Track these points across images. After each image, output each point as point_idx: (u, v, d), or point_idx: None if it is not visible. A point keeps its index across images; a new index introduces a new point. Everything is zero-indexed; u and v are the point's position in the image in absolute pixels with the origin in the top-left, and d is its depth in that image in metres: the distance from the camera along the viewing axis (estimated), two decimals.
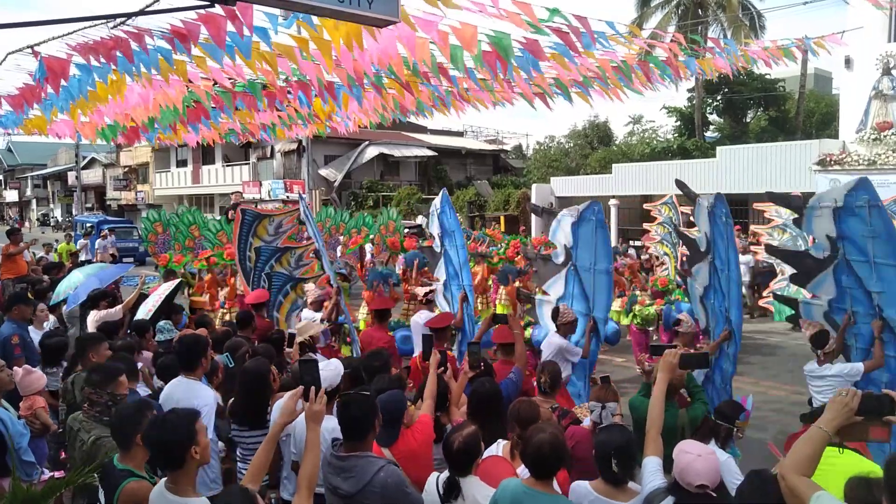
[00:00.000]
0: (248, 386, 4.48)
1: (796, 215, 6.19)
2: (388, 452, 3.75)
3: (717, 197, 5.94)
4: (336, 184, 32.57)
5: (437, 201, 7.98)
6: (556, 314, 6.46)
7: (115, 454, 3.35)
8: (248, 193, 33.41)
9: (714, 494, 2.85)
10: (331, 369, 3.97)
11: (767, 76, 32.69)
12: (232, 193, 21.08)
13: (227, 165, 37.76)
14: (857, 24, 11.96)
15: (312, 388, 3.05)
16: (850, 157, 18.15)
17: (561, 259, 7.38)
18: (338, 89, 6.69)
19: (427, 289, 7.59)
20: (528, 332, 8.33)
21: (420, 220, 24.33)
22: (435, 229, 8.02)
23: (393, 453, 3.75)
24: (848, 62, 19.32)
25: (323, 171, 33.09)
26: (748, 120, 36.22)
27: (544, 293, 7.90)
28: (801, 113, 32.41)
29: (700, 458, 2.89)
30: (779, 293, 9.16)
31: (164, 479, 2.96)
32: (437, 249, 8.02)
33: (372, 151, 33.25)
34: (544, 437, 3.08)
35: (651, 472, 3.16)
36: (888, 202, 14.40)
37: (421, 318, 6.99)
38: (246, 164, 36.63)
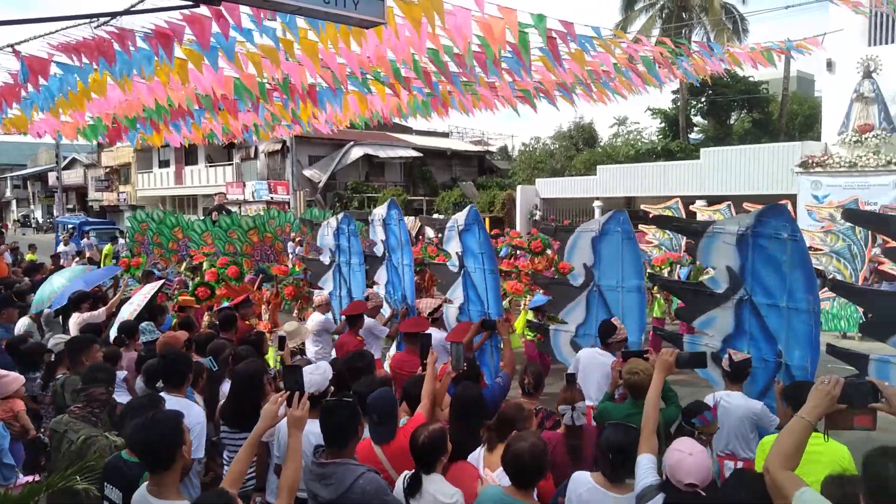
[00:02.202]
0: (240, 387, 4.45)
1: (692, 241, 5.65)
2: (379, 451, 3.75)
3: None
4: (321, 185, 32.45)
5: (460, 217, 7.30)
6: (609, 331, 5.60)
7: (106, 452, 3.34)
8: (232, 194, 33.21)
9: (703, 493, 2.86)
10: (319, 373, 3.95)
11: (751, 79, 32.97)
12: (215, 194, 20.97)
13: (211, 166, 37.49)
14: (838, 27, 12.08)
15: (296, 393, 3.04)
16: (833, 160, 18.35)
17: (580, 281, 6.70)
18: (321, 93, 6.67)
19: (433, 305, 6.81)
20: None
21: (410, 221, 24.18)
22: (454, 247, 7.38)
23: (385, 451, 3.75)
24: (830, 65, 19.52)
25: (307, 172, 32.96)
26: (732, 122, 36.52)
27: (561, 322, 7.11)
28: (785, 115, 32.71)
29: (691, 457, 2.90)
30: (660, 331, 8.38)
31: (144, 482, 2.93)
32: (453, 269, 7.42)
33: (357, 152, 33.15)
34: (524, 445, 3.09)
35: (644, 470, 3.18)
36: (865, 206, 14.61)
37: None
38: (229, 164, 36.39)
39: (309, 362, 4.98)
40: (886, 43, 18.68)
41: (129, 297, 8.29)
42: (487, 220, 27.45)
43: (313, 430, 3.62)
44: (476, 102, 7.63)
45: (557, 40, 5.02)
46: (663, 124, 35.61)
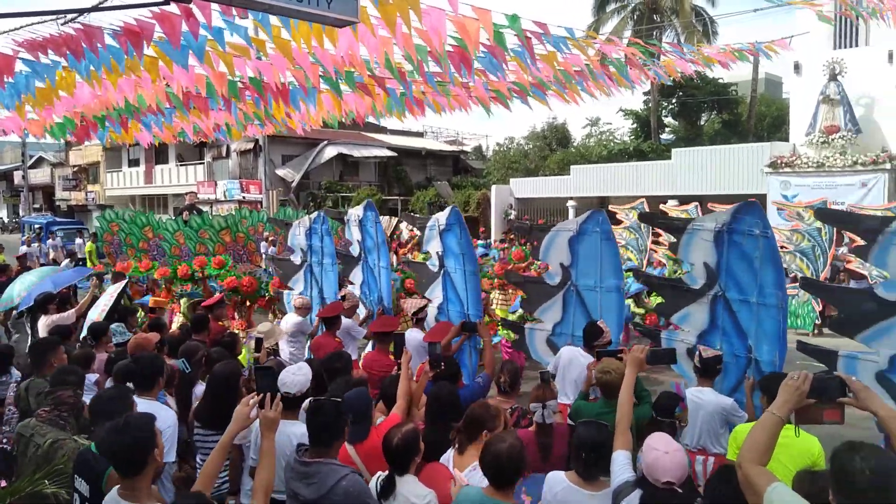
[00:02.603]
0: (216, 389, 4.40)
1: (674, 239, 5.71)
2: (352, 450, 3.73)
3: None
4: (294, 184, 32.20)
5: (441, 217, 7.27)
6: (595, 334, 5.52)
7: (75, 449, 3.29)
8: (203, 194, 32.79)
9: (680, 490, 2.89)
10: (302, 374, 3.93)
11: (720, 80, 33.44)
12: (186, 194, 20.65)
13: (181, 165, 37.00)
14: (804, 30, 12.33)
15: (268, 395, 3.02)
16: (800, 160, 18.68)
17: (557, 280, 6.66)
18: (293, 92, 6.62)
19: (418, 305, 6.86)
20: None
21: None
22: (434, 247, 7.34)
23: (358, 451, 3.74)
24: (797, 67, 19.90)
25: (280, 172, 32.68)
26: (702, 123, 37.00)
27: (536, 320, 7.08)
28: (753, 116, 33.26)
29: (667, 455, 2.92)
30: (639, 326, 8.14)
31: (116, 487, 2.88)
32: (433, 268, 7.37)
33: (331, 151, 32.95)
34: (503, 446, 3.10)
35: (620, 466, 3.21)
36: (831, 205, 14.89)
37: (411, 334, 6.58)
38: (201, 163, 35.95)
39: (281, 364, 4.95)
40: (851, 46, 19.09)
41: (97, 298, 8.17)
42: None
43: (294, 430, 3.60)
44: (450, 103, 7.63)
45: (532, 40, 5.04)
46: (635, 125, 35.96)
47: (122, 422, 2.89)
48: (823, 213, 6.65)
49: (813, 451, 3.80)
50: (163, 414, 4.17)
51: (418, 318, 6.73)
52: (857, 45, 19.01)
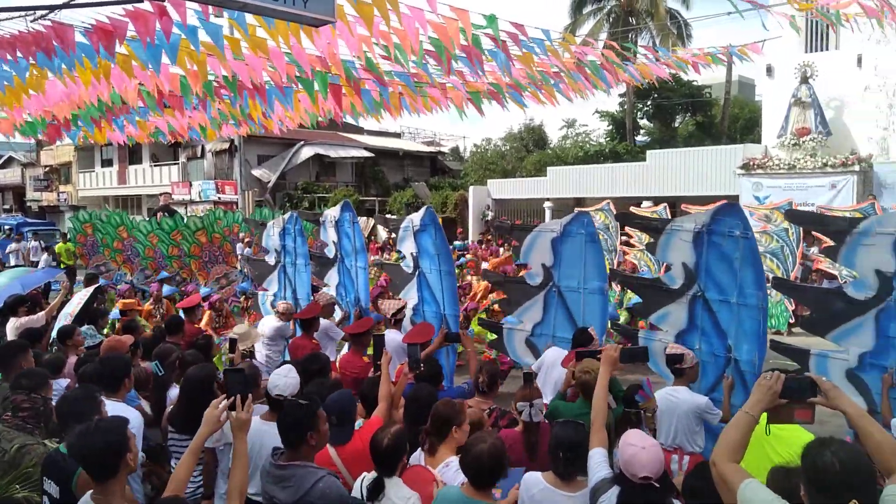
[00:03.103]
0: (190, 392, 4.35)
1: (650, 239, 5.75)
2: (334, 452, 3.71)
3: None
4: (270, 185, 31.95)
5: (416, 217, 7.27)
6: (585, 341, 5.39)
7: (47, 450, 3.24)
8: (178, 194, 32.44)
9: (657, 485, 2.92)
10: (292, 377, 3.91)
11: (694, 83, 33.81)
12: (160, 194, 20.46)
13: (156, 165, 36.54)
14: (777, 34, 12.49)
15: (239, 397, 3.00)
16: (772, 162, 18.95)
17: (538, 280, 6.62)
18: (270, 91, 6.57)
19: (396, 307, 6.84)
20: None
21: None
22: (409, 248, 7.33)
23: (340, 454, 3.71)
24: (769, 70, 20.19)
25: (256, 172, 32.41)
26: (676, 125, 37.40)
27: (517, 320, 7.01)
28: (727, 118, 33.67)
29: (644, 451, 2.95)
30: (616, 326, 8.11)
31: (89, 492, 2.84)
32: (408, 269, 7.36)
33: (307, 152, 32.75)
34: (484, 447, 3.11)
35: (597, 464, 3.23)
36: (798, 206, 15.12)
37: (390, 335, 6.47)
38: (175, 163, 35.53)
39: (255, 367, 4.92)
40: (821, 50, 19.42)
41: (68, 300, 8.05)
42: (440, 220, 27.48)
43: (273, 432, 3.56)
44: (426, 103, 7.62)
45: (509, 42, 5.06)
46: (611, 127, 36.23)
47: (92, 425, 2.85)
48: (794, 214, 6.78)
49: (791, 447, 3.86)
50: (128, 415, 4.14)
51: (396, 320, 6.71)
52: (827, 49, 19.34)
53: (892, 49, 16.72)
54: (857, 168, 17.57)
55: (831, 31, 18.48)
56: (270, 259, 9.18)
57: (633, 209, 17.20)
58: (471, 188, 28.73)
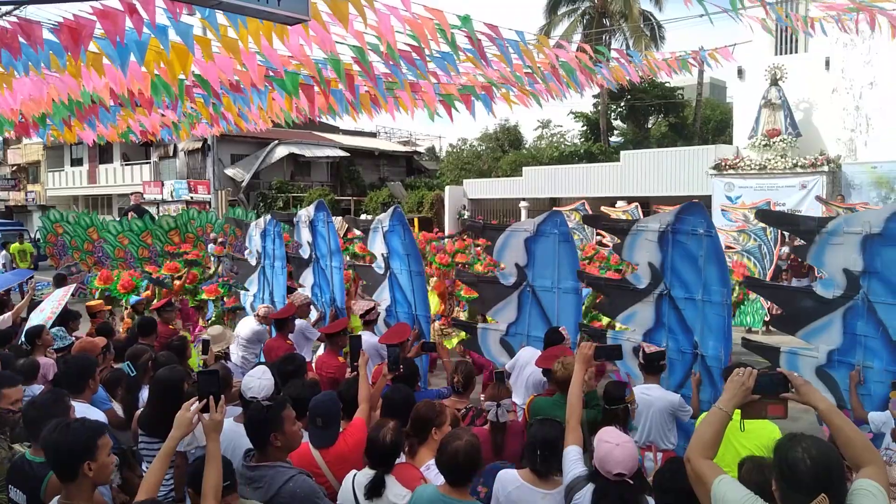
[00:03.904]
0: (160, 395, 4.29)
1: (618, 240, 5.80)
2: (318, 455, 3.68)
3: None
4: (243, 184, 31.67)
5: (384, 218, 7.26)
6: (556, 340, 5.41)
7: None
8: (150, 194, 32.00)
9: (632, 482, 2.95)
10: (267, 378, 3.87)
11: (667, 84, 34.19)
12: (131, 194, 20.12)
13: (127, 164, 36.01)
14: (747, 37, 12.71)
15: (211, 398, 2.97)
16: (743, 162, 19.22)
17: (511, 280, 6.62)
18: (244, 90, 6.50)
19: (366, 307, 6.78)
20: None
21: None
22: (378, 248, 7.36)
23: (324, 456, 3.69)
24: (740, 73, 20.49)
25: (229, 171, 32.10)
26: (649, 126, 37.80)
27: (490, 320, 7.01)
28: (699, 120, 34.12)
29: (618, 448, 2.97)
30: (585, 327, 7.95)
31: (56, 497, 2.80)
32: (379, 270, 7.35)
33: (281, 151, 32.52)
34: (459, 444, 3.10)
35: (572, 461, 3.25)
36: (760, 205, 15.37)
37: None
38: (147, 163, 35.05)
39: (228, 368, 4.87)
40: (790, 53, 19.75)
41: (41, 302, 7.89)
42: (416, 220, 27.47)
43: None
44: (402, 103, 7.60)
45: (483, 42, 5.07)
46: (585, 127, 36.52)
47: (67, 424, 2.82)
48: (764, 214, 6.89)
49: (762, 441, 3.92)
50: (90, 416, 4.07)
51: (367, 321, 6.68)
52: (796, 52, 19.66)
53: (858, 52, 17.08)
54: (826, 168, 17.89)
55: (800, 34, 18.81)
56: (252, 260, 9.14)
57: (606, 209, 17.37)
58: (447, 188, 28.77)
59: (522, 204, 25.18)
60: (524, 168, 27.31)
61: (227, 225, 16.25)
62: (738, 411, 2.65)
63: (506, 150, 36.33)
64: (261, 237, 8.88)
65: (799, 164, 18.19)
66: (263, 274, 8.86)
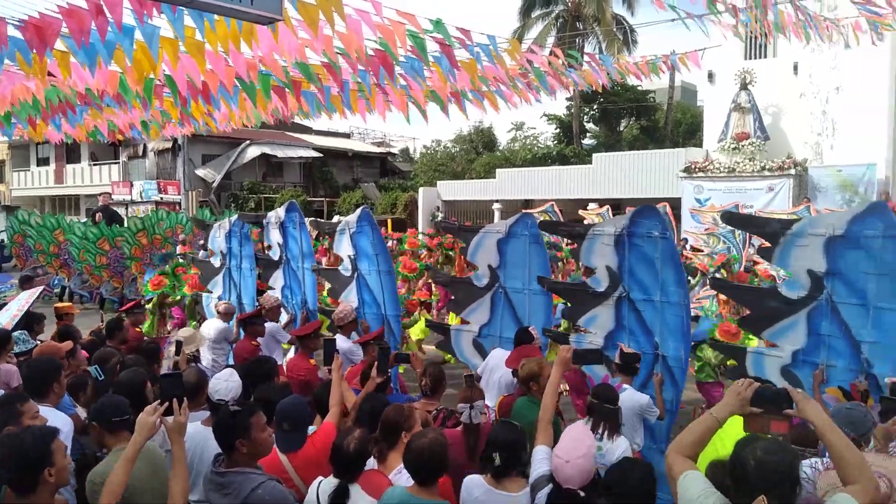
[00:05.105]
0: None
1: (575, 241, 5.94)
2: (285, 460, 3.65)
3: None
4: (214, 185, 31.32)
5: (351, 219, 7.26)
6: (526, 340, 5.50)
7: None
8: (118, 195, 31.48)
9: (582, 494, 2.96)
10: (234, 381, 3.83)
11: (639, 87, 34.56)
12: (99, 195, 19.78)
13: (95, 164, 35.39)
14: (717, 42, 12.93)
15: (175, 401, 2.95)
16: (713, 165, 19.49)
17: (484, 281, 6.65)
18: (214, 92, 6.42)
19: (346, 311, 6.74)
20: None
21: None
22: (345, 251, 7.34)
23: (291, 460, 3.66)
24: (710, 77, 20.79)
25: (200, 172, 31.73)
26: (622, 129, 38.19)
27: (463, 322, 7.07)
28: (670, 123, 34.56)
29: (568, 465, 2.99)
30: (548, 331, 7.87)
31: None
32: (346, 273, 7.33)
33: (253, 151, 32.23)
34: (424, 442, 3.11)
35: (539, 460, 3.28)
36: (732, 207, 15.60)
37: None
38: (115, 163, 34.50)
39: (201, 371, 4.82)
40: (760, 58, 20.10)
41: (5, 304, 7.72)
42: (390, 221, 27.41)
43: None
44: (375, 104, 7.57)
45: (455, 45, 5.07)
46: (558, 130, 36.76)
47: (14, 435, 2.73)
48: (730, 216, 7.01)
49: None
50: (54, 419, 3.98)
51: (342, 325, 6.64)
52: (765, 57, 20.01)
53: (825, 58, 17.42)
54: (793, 172, 18.22)
55: (770, 38, 19.16)
56: (216, 261, 9.00)
57: (580, 212, 17.50)
58: (420, 189, 28.75)
59: (496, 206, 25.26)
60: (497, 170, 27.40)
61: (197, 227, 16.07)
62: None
63: (480, 152, 36.43)
64: (225, 238, 8.77)
65: (767, 167, 18.50)
66: (229, 276, 8.76)
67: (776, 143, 19.22)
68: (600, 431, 4.16)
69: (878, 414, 4.05)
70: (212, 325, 7.22)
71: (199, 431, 3.81)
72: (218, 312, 7.36)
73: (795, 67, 19.24)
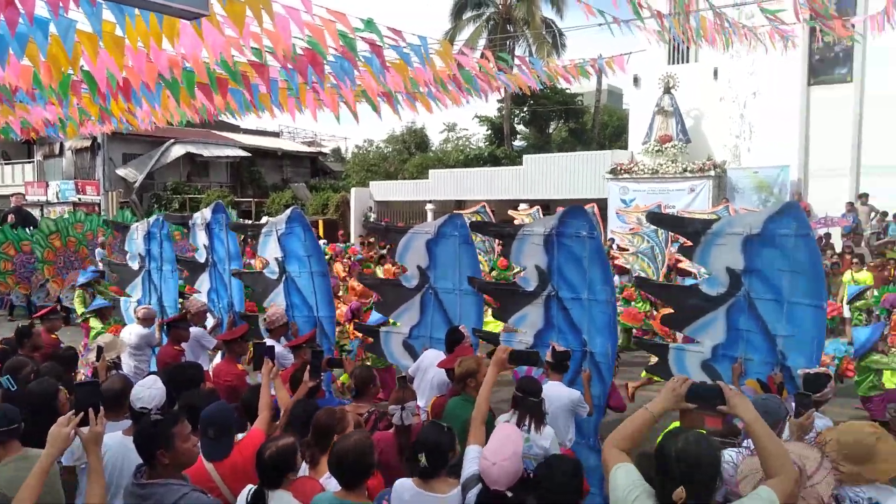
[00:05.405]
0: (31, 409, 4.02)
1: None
2: (212, 468, 3.56)
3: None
4: (136, 185, 30.20)
5: (279, 221, 7.11)
6: (457, 340, 5.54)
7: None
8: (33, 195, 29.95)
9: (510, 494, 2.98)
10: (158, 388, 3.70)
11: (568, 91, 35.27)
12: (12, 195, 18.82)
13: (7, 163, 33.57)
14: (643, 46, 13.34)
15: (90, 410, 2.84)
16: (638, 167, 20.10)
17: (414, 282, 6.63)
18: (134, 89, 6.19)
19: (278, 314, 6.60)
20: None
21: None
22: (272, 253, 7.17)
23: (218, 469, 3.57)
24: (636, 81, 21.44)
25: (121, 171, 30.54)
26: (551, 131, 38.86)
27: (392, 323, 7.05)
28: (597, 125, 35.41)
29: (495, 467, 2.98)
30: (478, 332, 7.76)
31: None
32: (272, 276, 7.14)
33: (178, 150, 31.24)
34: (347, 444, 3.08)
35: (471, 460, 3.28)
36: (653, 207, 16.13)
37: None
38: (30, 162, 32.84)
39: (126, 378, 4.64)
40: (682, 63, 20.85)
41: None
42: (321, 222, 27.07)
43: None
44: (306, 102, 7.44)
45: (386, 44, 5.04)
46: (489, 131, 37.12)
47: None
48: (655, 216, 7.26)
49: None
50: None
51: (272, 329, 6.52)
52: (687, 62, 20.77)
53: (743, 64, 18.17)
54: (712, 173, 18.97)
55: (692, 44, 19.88)
56: (134, 264, 8.67)
57: (510, 212, 17.71)
58: (353, 190, 28.53)
59: (429, 206, 25.31)
60: (430, 171, 27.47)
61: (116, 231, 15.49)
62: None
63: (412, 153, 36.40)
64: (144, 240, 8.46)
65: (688, 169, 19.20)
66: (149, 279, 8.46)
67: (697, 146, 19.97)
68: (527, 424, 4.26)
69: (792, 406, 4.26)
70: (132, 331, 6.96)
71: (119, 442, 3.68)
72: (137, 318, 7.09)
73: (716, 72, 20.04)
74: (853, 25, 9.32)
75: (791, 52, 9.90)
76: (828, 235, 16.31)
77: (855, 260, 13.28)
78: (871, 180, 17.93)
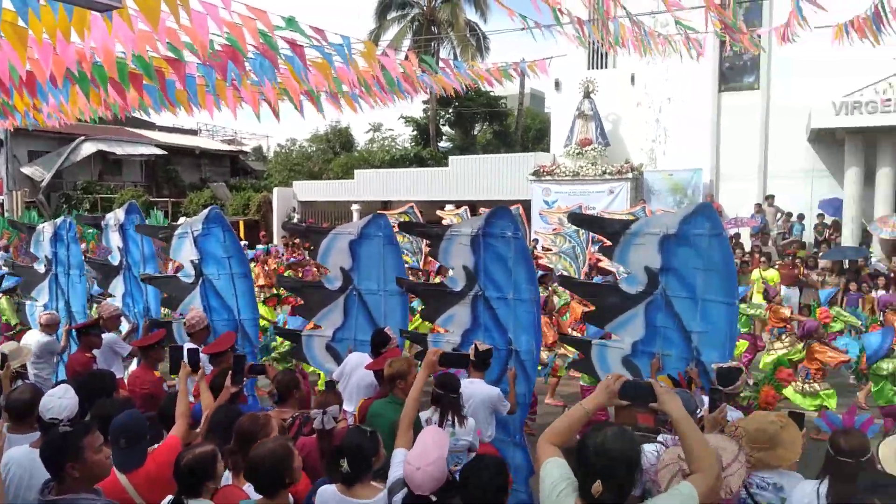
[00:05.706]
0: None
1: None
2: (125, 479, 3.42)
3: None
4: (43, 184, 28.67)
5: (196, 221, 6.85)
6: (384, 341, 5.55)
7: None
8: None
9: (434, 498, 2.99)
10: (69, 398, 3.53)
11: (492, 93, 35.70)
12: None
13: None
14: (564, 51, 13.61)
15: None
16: (559, 169, 20.56)
17: (337, 284, 6.55)
18: (40, 83, 5.87)
19: (198, 317, 6.39)
20: None
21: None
22: (187, 256, 6.88)
23: (132, 480, 3.43)
24: (557, 85, 21.92)
25: (27, 170, 28.93)
26: (475, 132, 39.27)
27: (316, 326, 6.98)
28: (520, 128, 36.01)
29: (419, 472, 2.98)
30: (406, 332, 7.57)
31: None
32: (187, 279, 6.90)
33: (88, 148, 29.82)
34: (263, 451, 3.03)
35: (396, 464, 3.28)
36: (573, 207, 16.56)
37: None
38: None
39: (36, 388, 4.40)
40: (601, 68, 21.47)
41: None
42: (242, 223, 26.43)
43: None
44: (226, 99, 7.24)
45: (307, 45, 4.97)
46: (415, 132, 37.15)
47: None
48: (576, 217, 7.46)
49: None
50: None
51: (193, 333, 6.30)
52: (606, 68, 21.40)
53: (658, 70, 18.84)
54: (630, 176, 19.61)
55: (610, 50, 20.47)
56: (40, 267, 8.23)
57: (438, 212, 17.78)
58: (275, 190, 27.98)
59: (354, 207, 25.11)
60: (356, 171, 27.24)
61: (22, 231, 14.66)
62: None
63: (337, 152, 36.00)
64: (51, 242, 8.05)
65: (607, 171, 19.78)
66: (56, 282, 8.05)
67: (615, 149, 20.59)
68: (450, 419, 4.34)
69: (703, 399, 4.45)
70: (33, 338, 6.59)
71: (25, 455, 3.49)
72: (40, 324, 6.71)
73: (633, 78, 20.73)
74: (759, 36, 9.82)
75: (703, 60, 10.34)
76: (737, 235, 17.15)
77: (763, 259, 14.03)
78: (776, 183, 19.00)
